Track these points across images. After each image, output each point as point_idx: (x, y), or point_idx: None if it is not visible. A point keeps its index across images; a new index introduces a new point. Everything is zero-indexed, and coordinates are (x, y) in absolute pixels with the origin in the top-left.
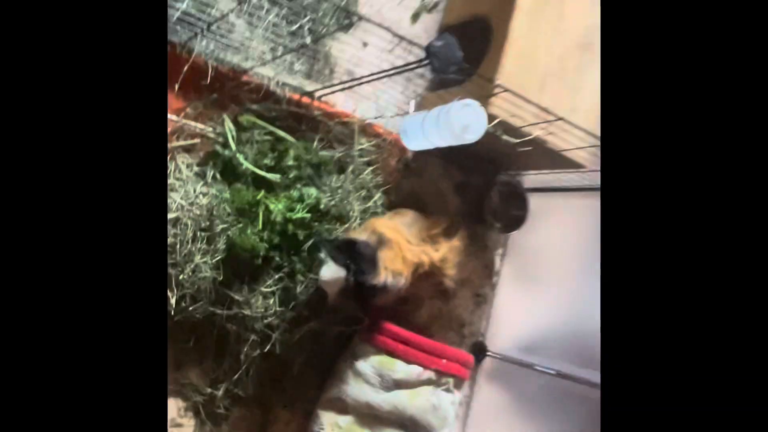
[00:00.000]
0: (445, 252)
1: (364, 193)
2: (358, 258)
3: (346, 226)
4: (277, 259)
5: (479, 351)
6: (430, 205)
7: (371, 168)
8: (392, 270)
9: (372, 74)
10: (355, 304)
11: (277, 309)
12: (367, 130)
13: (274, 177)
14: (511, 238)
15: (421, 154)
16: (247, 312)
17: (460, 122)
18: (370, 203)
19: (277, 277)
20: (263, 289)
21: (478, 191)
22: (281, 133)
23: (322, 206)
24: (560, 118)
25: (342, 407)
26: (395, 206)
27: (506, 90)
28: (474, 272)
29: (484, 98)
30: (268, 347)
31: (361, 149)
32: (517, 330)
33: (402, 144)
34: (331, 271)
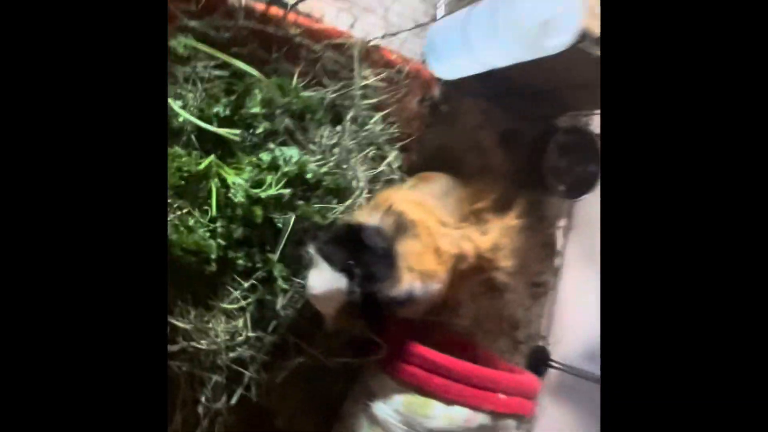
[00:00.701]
0: (498, 236)
1: (371, 151)
2: (366, 256)
3: (347, 204)
4: (241, 261)
5: (540, 361)
6: (467, 165)
7: (381, 114)
8: (420, 271)
9: None
10: (363, 325)
11: (249, 334)
12: (372, 56)
13: (230, 133)
14: (577, 206)
15: (453, 91)
16: (202, 344)
17: (536, 15)
18: (382, 167)
19: (245, 286)
20: (225, 306)
21: (532, 143)
22: (239, 65)
23: (308, 175)
24: None
25: None
26: (418, 170)
27: None
28: (530, 254)
29: None
30: (239, 392)
31: (364, 86)
32: (589, 329)
33: (426, 74)
34: (324, 280)
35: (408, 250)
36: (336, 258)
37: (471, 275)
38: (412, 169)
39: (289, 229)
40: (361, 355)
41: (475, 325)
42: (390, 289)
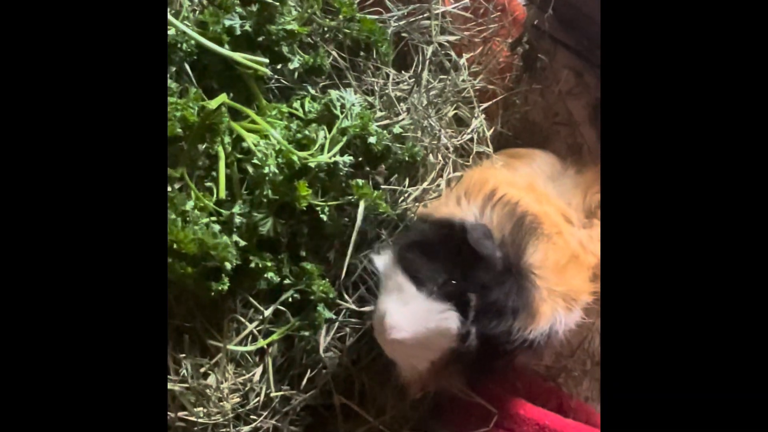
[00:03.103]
0: None
1: (449, 110)
2: (481, 274)
3: (425, 186)
4: (271, 274)
5: None
6: (550, 139)
7: (466, 58)
8: (564, 293)
9: None
10: (463, 382)
11: (273, 394)
12: None
13: (251, 62)
14: None
15: (546, 37)
16: (198, 413)
17: None
18: (470, 133)
19: (267, 314)
20: (235, 348)
21: None
22: None
23: (371, 139)
24: None
25: None
26: (504, 144)
27: None
28: None
29: None
30: None
31: (443, 14)
32: None
33: (518, 8)
34: (415, 315)
35: (542, 260)
36: (429, 277)
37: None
38: (494, 142)
39: (358, 225)
40: (454, 425)
41: (556, 363)
42: (525, 327)
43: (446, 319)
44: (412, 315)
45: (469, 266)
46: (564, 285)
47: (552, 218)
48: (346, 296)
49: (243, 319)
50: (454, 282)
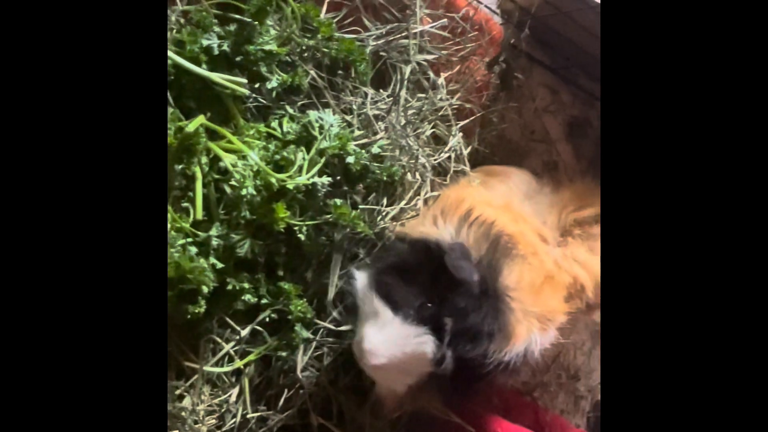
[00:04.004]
0: None
1: (426, 129)
2: (458, 297)
3: (402, 205)
4: (248, 295)
5: None
6: (527, 156)
7: (444, 77)
8: (539, 314)
9: None
10: (440, 401)
11: (249, 415)
12: None
13: (229, 82)
14: None
15: (522, 55)
16: None
17: None
18: (447, 152)
19: (244, 334)
20: (211, 369)
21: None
22: None
23: (350, 159)
24: None
25: None
26: (480, 162)
27: None
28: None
29: None
30: None
31: (421, 34)
32: None
33: (496, 28)
34: (393, 338)
35: (517, 282)
36: (406, 300)
37: (579, 315)
38: (472, 160)
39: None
40: None
41: (531, 379)
42: (500, 350)
43: (422, 343)
44: (388, 340)
45: (446, 289)
46: (539, 306)
47: (527, 238)
48: (324, 316)
49: (219, 340)
50: (430, 306)
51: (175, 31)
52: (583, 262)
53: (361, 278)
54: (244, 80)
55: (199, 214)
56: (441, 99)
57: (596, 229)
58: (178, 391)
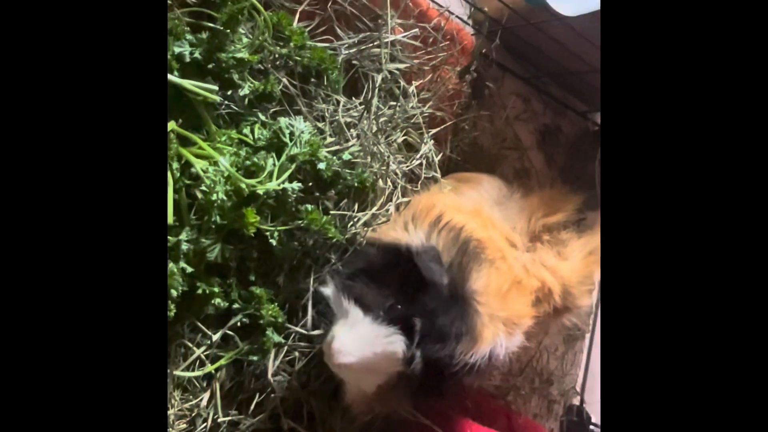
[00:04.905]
0: (583, 263)
1: (398, 136)
2: (427, 299)
3: (374, 211)
4: (218, 300)
5: (578, 426)
6: (499, 163)
7: (415, 85)
8: (505, 318)
9: None
10: (410, 402)
11: (220, 419)
12: (404, 2)
13: (201, 89)
14: None
15: (493, 64)
16: None
17: None
18: (418, 159)
19: (215, 339)
20: (181, 373)
21: (575, 145)
22: None
23: (321, 165)
24: None
25: None
26: (452, 169)
27: None
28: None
29: None
30: None
31: (392, 43)
32: None
33: (467, 38)
34: (362, 339)
35: (485, 286)
36: (376, 302)
37: (547, 319)
38: (446, 168)
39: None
40: None
41: (504, 382)
42: (467, 351)
43: (392, 343)
44: (358, 339)
45: (415, 290)
46: (506, 310)
47: (496, 243)
48: (295, 320)
49: (190, 344)
50: (399, 307)
51: None
52: (552, 267)
53: (332, 281)
54: (215, 87)
55: (170, 219)
56: (412, 107)
57: (565, 235)
58: None
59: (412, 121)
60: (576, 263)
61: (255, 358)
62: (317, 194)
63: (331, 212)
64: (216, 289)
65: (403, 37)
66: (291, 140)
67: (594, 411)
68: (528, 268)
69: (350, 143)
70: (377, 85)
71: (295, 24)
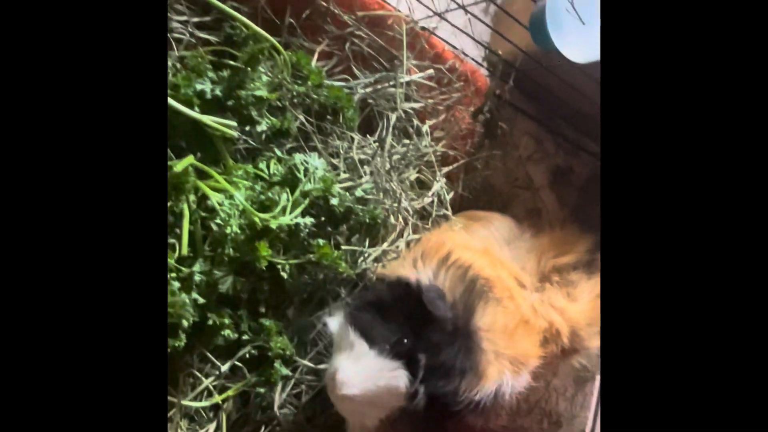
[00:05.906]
0: (592, 305)
1: (411, 174)
2: (432, 334)
3: (384, 247)
4: (227, 331)
5: None
6: (511, 203)
7: (429, 124)
8: (511, 356)
9: None
10: None
11: None
12: (417, 44)
13: (220, 125)
14: None
15: (506, 105)
16: None
17: None
18: (430, 197)
19: (224, 370)
20: (189, 403)
21: (589, 185)
22: (239, 18)
23: (334, 201)
24: None
25: None
26: (464, 206)
27: None
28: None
29: None
30: None
31: (408, 83)
32: None
33: (481, 79)
34: (365, 372)
35: (491, 324)
36: (382, 336)
37: (554, 360)
38: (458, 207)
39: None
40: None
41: (511, 422)
42: (471, 388)
43: (396, 377)
44: (362, 372)
45: (421, 326)
46: (512, 348)
47: (504, 282)
48: (303, 353)
49: (199, 374)
50: (405, 341)
51: (171, 75)
52: (560, 308)
53: (338, 314)
54: (234, 123)
55: (185, 250)
56: (426, 145)
57: (574, 276)
58: None
59: (425, 159)
60: (585, 304)
61: (262, 390)
62: (329, 229)
63: (343, 247)
64: (226, 321)
65: (419, 77)
66: (305, 176)
67: None
68: (536, 308)
69: (363, 180)
70: (392, 123)
71: (313, 63)
